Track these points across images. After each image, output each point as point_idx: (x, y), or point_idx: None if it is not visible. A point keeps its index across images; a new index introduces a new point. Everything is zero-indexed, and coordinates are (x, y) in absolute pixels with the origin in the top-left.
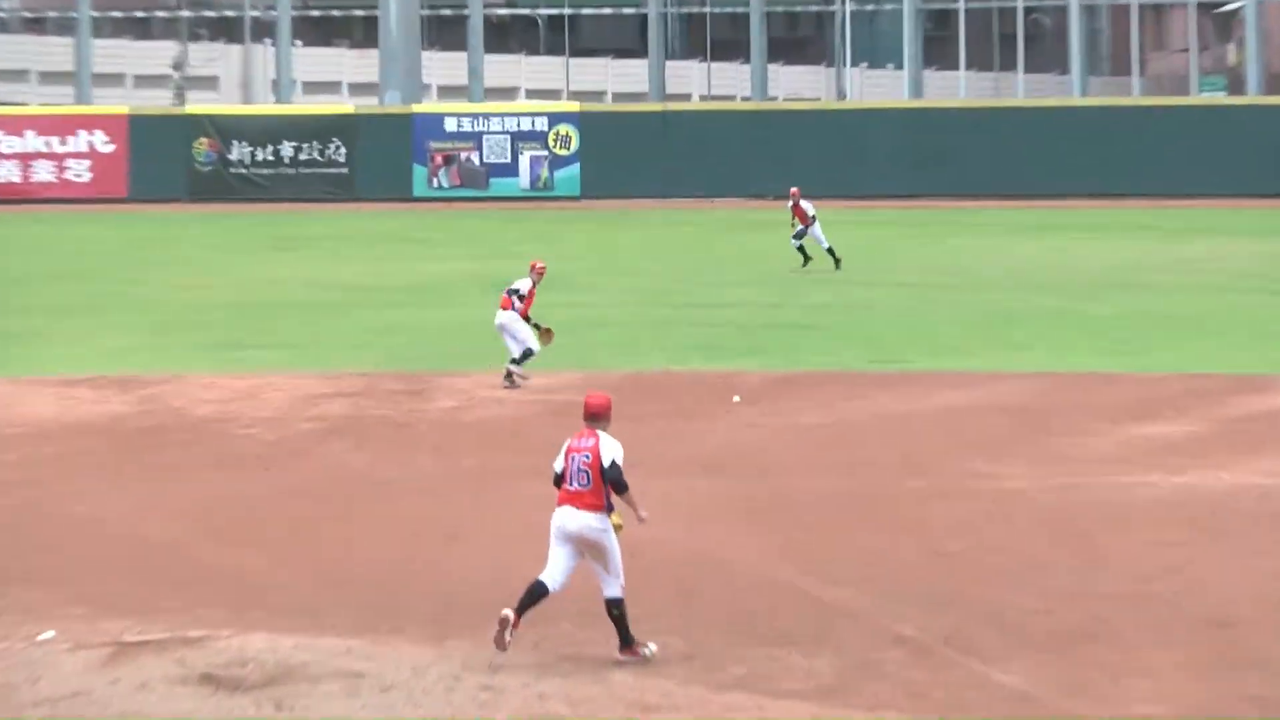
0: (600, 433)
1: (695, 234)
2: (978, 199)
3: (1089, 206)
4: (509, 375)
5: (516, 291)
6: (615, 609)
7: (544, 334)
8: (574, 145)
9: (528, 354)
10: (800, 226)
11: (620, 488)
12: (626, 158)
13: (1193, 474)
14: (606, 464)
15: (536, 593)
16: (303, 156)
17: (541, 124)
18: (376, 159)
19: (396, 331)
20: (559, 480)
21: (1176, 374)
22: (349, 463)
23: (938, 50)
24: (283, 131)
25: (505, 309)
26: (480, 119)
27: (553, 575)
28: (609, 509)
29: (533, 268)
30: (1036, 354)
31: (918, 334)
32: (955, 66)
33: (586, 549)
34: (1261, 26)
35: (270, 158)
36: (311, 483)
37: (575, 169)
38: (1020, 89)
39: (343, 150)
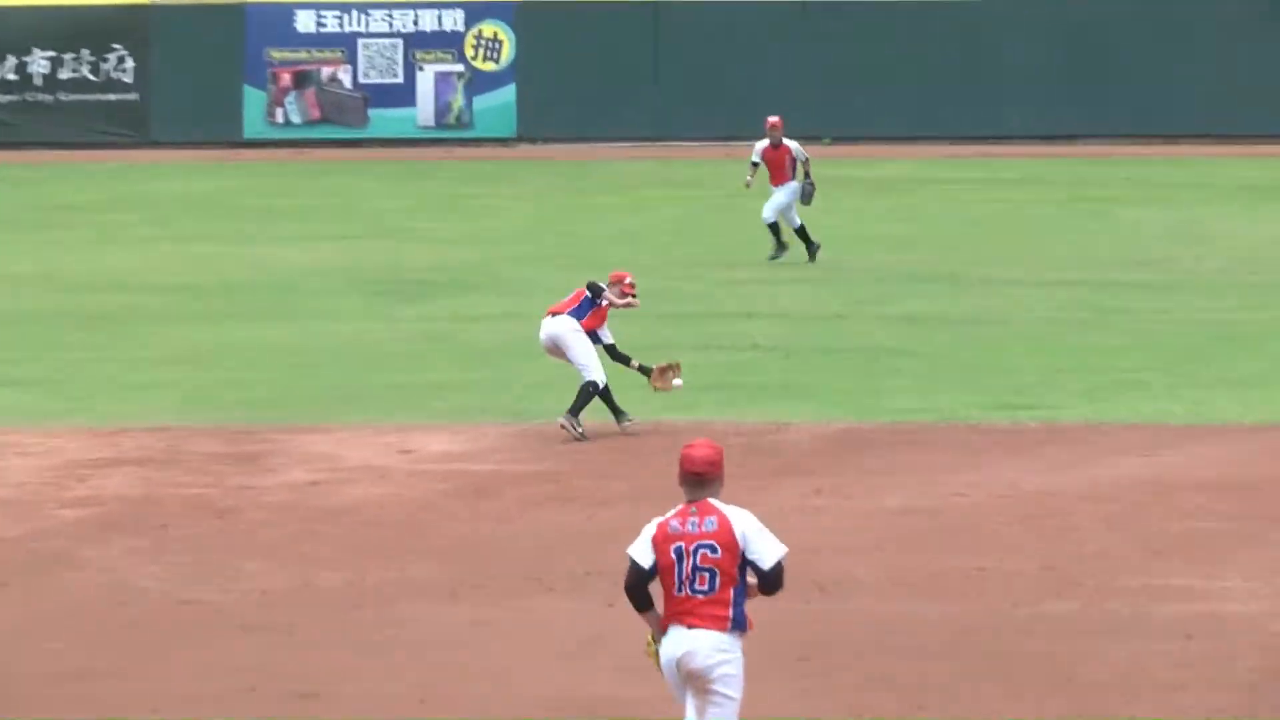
0: (720, 505)
1: (704, 200)
2: (1173, 143)
3: None
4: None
5: (599, 293)
6: None
7: (659, 374)
8: (506, 56)
9: (590, 395)
10: (792, 185)
11: (776, 588)
12: (591, 77)
13: None
14: (768, 565)
15: None
16: (64, 75)
17: (454, 21)
18: (185, 79)
19: (215, 360)
20: (639, 585)
21: None
22: (136, 576)
23: None
24: (31, 34)
25: (558, 314)
26: (354, 13)
27: None
28: (738, 625)
29: (619, 280)
30: (1273, 396)
31: (1072, 364)
32: None
33: (693, 684)
34: None
35: (12, 77)
36: (76, 608)
37: (508, 94)
38: None
39: (130, 64)
